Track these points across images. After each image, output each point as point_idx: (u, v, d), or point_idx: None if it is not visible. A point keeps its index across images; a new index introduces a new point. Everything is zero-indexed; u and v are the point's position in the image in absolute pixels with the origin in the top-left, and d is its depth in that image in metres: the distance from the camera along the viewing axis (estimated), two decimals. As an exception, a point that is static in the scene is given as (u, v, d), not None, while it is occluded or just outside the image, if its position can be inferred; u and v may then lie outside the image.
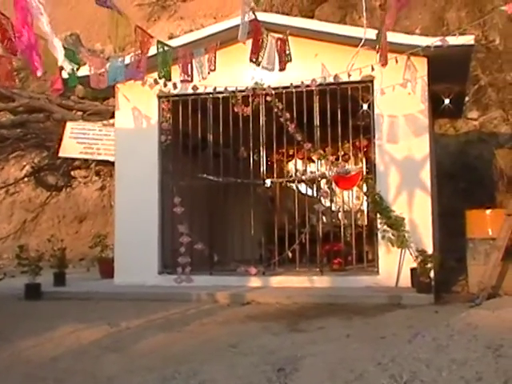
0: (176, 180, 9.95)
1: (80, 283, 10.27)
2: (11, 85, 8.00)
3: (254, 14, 7.18)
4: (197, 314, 7.57)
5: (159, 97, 10.10)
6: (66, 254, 10.78)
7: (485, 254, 8.46)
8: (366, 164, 11.02)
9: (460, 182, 13.93)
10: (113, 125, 11.55)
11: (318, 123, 9.51)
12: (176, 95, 9.88)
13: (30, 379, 4.81)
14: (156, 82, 9.23)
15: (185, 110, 10.02)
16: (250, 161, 10.19)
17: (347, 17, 17.13)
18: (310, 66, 9.35)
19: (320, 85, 9.39)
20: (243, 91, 9.72)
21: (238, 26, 7.25)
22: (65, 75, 8.06)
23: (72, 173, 16.91)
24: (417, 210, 8.86)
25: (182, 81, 8.40)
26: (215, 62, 8.29)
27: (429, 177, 9.04)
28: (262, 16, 8.14)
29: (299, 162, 11.87)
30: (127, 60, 8.05)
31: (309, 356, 5.02)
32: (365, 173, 10.16)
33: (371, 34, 7.81)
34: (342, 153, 10.58)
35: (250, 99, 9.72)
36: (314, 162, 10.36)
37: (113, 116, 11.61)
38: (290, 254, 9.84)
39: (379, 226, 8.85)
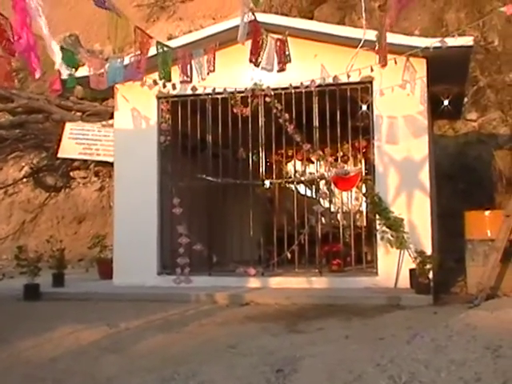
0: (175, 181, 9.95)
1: (79, 284, 10.27)
2: (10, 85, 8.00)
3: (253, 14, 7.18)
4: (196, 314, 7.57)
5: (158, 97, 10.10)
6: (64, 254, 10.76)
7: (484, 255, 8.47)
8: (365, 165, 11.03)
9: (459, 183, 13.94)
10: (112, 125, 11.55)
11: (317, 124, 9.51)
12: (175, 96, 9.88)
13: (29, 380, 4.81)
14: (155, 83, 9.22)
15: (184, 111, 10.02)
16: (249, 162, 10.19)
17: (346, 18, 17.13)
18: (309, 66, 9.35)
19: (319, 86, 9.40)
20: (242, 92, 9.73)
21: (237, 26, 7.26)
22: (63, 76, 8.07)
23: (71, 173, 16.91)
24: (416, 211, 8.87)
25: (181, 81, 8.40)
26: (214, 63, 8.29)
27: (428, 178, 9.05)
28: (261, 17, 8.14)
29: (298, 163, 11.88)
30: (126, 61, 8.05)
31: (308, 357, 5.01)
32: (364, 174, 10.16)
33: (370, 34, 7.82)
34: (341, 154, 10.59)
35: (249, 100, 9.73)
36: (313, 162, 10.35)
37: (112, 117, 11.60)
38: (289, 255, 9.82)
39: (378, 226, 8.85)
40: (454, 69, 8.98)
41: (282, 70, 8.01)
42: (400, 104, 9.05)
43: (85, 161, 15.62)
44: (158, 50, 7.68)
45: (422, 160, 9.04)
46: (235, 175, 10.05)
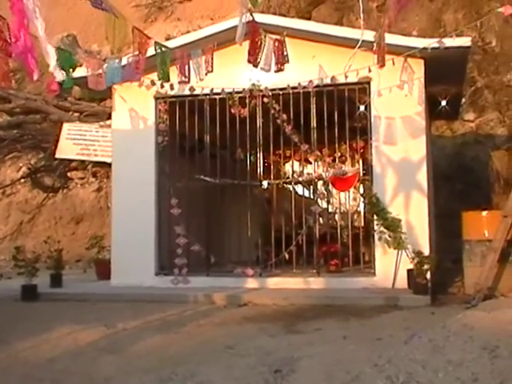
0: (173, 181, 9.95)
1: (77, 284, 10.26)
2: (8, 86, 7.99)
3: (251, 15, 7.19)
4: (194, 315, 7.58)
5: (156, 98, 10.10)
6: (62, 255, 10.78)
7: (481, 256, 8.48)
8: (363, 165, 11.04)
9: (456, 183, 13.96)
10: (109, 126, 11.55)
11: (315, 125, 9.51)
12: (173, 96, 9.87)
13: (27, 380, 4.81)
14: (153, 83, 9.22)
15: (182, 111, 10.02)
16: (246, 162, 10.20)
17: (344, 18, 17.13)
18: (307, 67, 9.36)
19: (317, 86, 9.40)
20: (240, 92, 9.73)
21: (235, 27, 7.27)
22: (57, 79, 8.04)
23: (69, 174, 16.90)
24: (413, 212, 8.88)
25: (179, 82, 8.40)
26: (212, 64, 8.29)
27: (425, 178, 9.05)
28: (259, 17, 8.16)
29: (296, 164, 11.88)
30: (124, 61, 8.05)
31: (305, 357, 5.02)
32: (361, 174, 10.17)
33: (368, 35, 7.83)
34: (339, 154, 10.59)
35: (247, 100, 9.73)
36: (310, 163, 10.36)
37: (109, 117, 11.61)
38: (286, 256, 9.84)
39: (376, 227, 8.86)
40: (451, 69, 8.99)
41: (280, 70, 8.02)
42: (398, 104, 9.05)
43: (82, 161, 15.61)
44: (156, 50, 7.69)
45: (420, 160, 9.05)
46: (233, 176, 10.05)
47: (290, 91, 9.50)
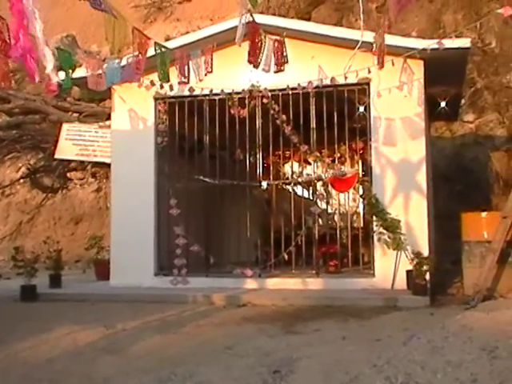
0: (172, 182, 9.95)
1: (76, 285, 10.26)
2: (7, 86, 7.98)
3: (251, 16, 7.19)
4: (193, 315, 7.58)
5: (155, 98, 10.10)
6: (61, 255, 10.77)
7: (480, 257, 8.48)
8: (362, 166, 11.05)
9: (456, 184, 13.97)
10: (109, 126, 11.55)
11: (315, 125, 9.52)
12: (172, 97, 9.88)
13: (26, 381, 4.81)
14: (152, 84, 9.22)
15: (181, 112, 10.02)
16: (246, 163, 10.20)
17: (344, 19, 17.13)
18: (307, 68, 9.36)
19: (316, 87, 9.40)
20: (240, 93, 9.73)
21: (234, 27, 7.27)
22: (60, 76, 8.05)
23: (68, 174, 16.89)
24: (413, 213, 8.88)
25: (178, 83, 8.40)
26: (212, 64, 8.29)
27: (425, 179, 9.06)
28: (259, 18, 8.15)
29: (295, 164, 11.88)
30: (124, 62, 8.05)
31: (304, 358, 5.02)
32: (361, 175, 10.18)
33: (368, 36, 7.83)
34: (339, 155, 10.58)
35: (247, 101, 9.74)
36: (310, 164, 10.36)
37: (109, 118, 11.60)
38: (286, 256, 9.84)
39: (375, 228, 8.86)
40: (451, 70, 8.99)
41: (279, 71, 8.02)
42: (397, 105, 9.06)
43: (82, 162, 15.58)
44: (156, 50, 7.69)
45: (419, 161, 9.05)
46: (232, 176, 10.05)
47: (290, 92, 9.51)
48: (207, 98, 9.89)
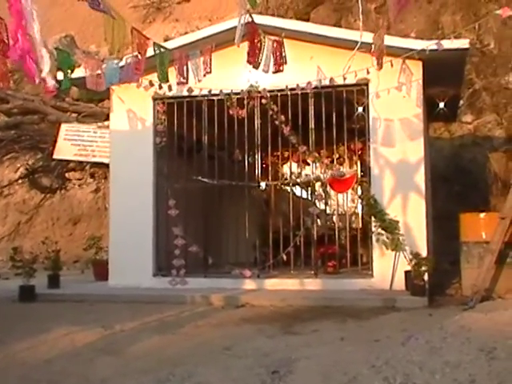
0: (171, 182, 9.95)
1: (74, 285, 10.25)
2: (5, 86, 7.97)
3: (250, 16, 7.18)
4: (191, 316, 7.57)
5: (154, 99, 10.09)
6: (60, 256, 10.76)
7: (478, 257, 8.49)
8: (361, 167, 11.05)
9: (454, 185, 13.97)
10: (107, 127, 11.55)
11: (313, 126, 9.52)
12: (171, 97, 9.87)
13: (24, 381, 4.80)
14: (151, 84, 9.21)
15: (180, 112, 10.02)
16: (244, 163, 10.19)
17: (342, 20, 17.13)
18: (306, 68, 9.36)
19: (315, 88, 9.40)
20: (238, 94, 9.73)
21: (233, 28, 7.26)
22: (59, 77, 8.04)
23: (66, 175, 16.88)
24: (411, 213, 8.88)
25: (177, 83, 8.38)
26: (211, 65, 8.28)
27: (423, 180, 9.06)
28: (258, 18, 8.14)
29: (294, 165, 11.88)
30: (123, 62, 8.04)
31: (303, 358, 5.02)
32: (359, 176, 10.18)
33: (367, 37, 7.83)
34: (337, 156, 10.59)
35: (245, 102, 9.73)
36: (308, 164, 10.38)
37: (107, 118, 11.61)
38: (284, 257, 9.84)
39: (374, 228, 8.87)
40: (449, 71, 9.00)
41: (278, 71, 8.01)
42: (396, 106, 9.06)
43: (80, 162, 15.57)
44: (155, 51, 7.69)
45: (418, 162, 9.06)
46: (231, 177, 10.05)
47: (288, 92, 9.51)
48: (206, 98, 9.88)
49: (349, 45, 8.38)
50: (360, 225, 11.76)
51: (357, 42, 7.91)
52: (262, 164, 10.28)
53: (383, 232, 8.65)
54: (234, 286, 9.25)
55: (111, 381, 4.71)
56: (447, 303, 8.06)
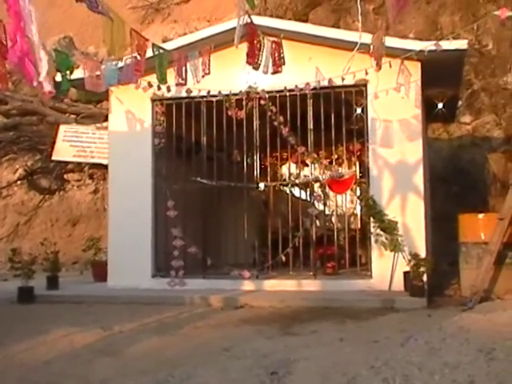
0: (169, 183, 9.95)
1: (73, 286, 10.24)
2: (4, 87, 7.96)
3: (249, 17, 7.18)
4: (190, 317, 7.57)
5: (153, 100, 10.09)
6: (59, 257, 10.75)
7: (477, 258, 8.49)
8: (360, 168, 11.04)
9: (453, 186, 13.98)
10: (106, 128, 11.54)
11: (312, 127, 9.53)
12: (170, 98, 9.87)
13: (22, 383, 4.80)
14: (150, 85, 9.21)
15: (178, 114, 10.02)
16: (243, 164, 10.19)
17: (341, 21, 17.15)
18: (304, 69, 9.36)
19: (314, 88, 9.41)
20: (237, 95, 9.73)
21: (232, 29, 7.27)
22: (57, 78, 8.04)
23: (65, 176, 16.87)
24: (410, 214, 8.89)
25: (176, 84, 8.38)
26: (209, 66, 8.28)
27: (422, 181, 9.07)
28: (256, 19, 8.15)
29: (293, 166, 11.89)
30: (121, 63, 8.03)
31: (302, 359, 5.02)
32: (358, 177, 10.17)
33: (365, 37, 7.83)
34: (336, 156, 10.59)
35: (244, 103, 9.73)
36: (307, 165, 10.38)
37: (106, 119, 11.59)
38: (283, 258, 9.84)
39: (372, 229, 8.87)
40: (448, 72, 9.01)
41: (276, 72, 8.01)
42: (394, 107, 9.06)
43: (79, 163, 15.59)
44: (154, 52, 7.69)
45: (416, 163, 9.06)
46: (230, 178, 10.05)
47: (287, 93, 9.50)
48: (204, 99, 9.88)
49: (347, 46, 8.38)
50: (359, 225, 11.77)
51: (355, 43, 7.90)
52: (260, 165, 10.29)
53: (382, 233, 8.66)
54: (232, 287, 9.25)
55: (110, 382, 4.71)
56: (446, 304, 8.05)
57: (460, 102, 13.52)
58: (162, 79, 7.95)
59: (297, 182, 11.06)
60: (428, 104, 9.78)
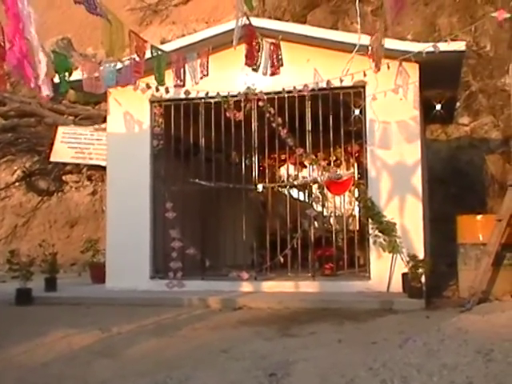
0: (168, 185, 9.95)
1: (71, 288, 10.23)
2: (2, 89, 7.96)
3: (247, 19, 7.18)
4: (188, 319, 7.56)
5: (151, 101, 10.09)
6: (57, 258, 10.74)
7: (475, 259, 8.50)
8: (358, 169, 11.05)
9: (451, 187, 13.99)
10: (104, 129, 11.53)
11: (310, 128, 9.53)
12: (168, 100, 9.86)
13: (21, 384, 4.80)
14: (148, 87, 9.21)
15: (177, 115, 10.01)
16: (241, 166, 10.20)
17: (339, 22, 17.16)
18: (302, 71, 9.36)
19: (312, 90, 9.41)
20: (235, 96, 9.73)
21: (230, 30, 7.27)
22: (55, 80, 8.03)
23: (63, 177, 16.84)
24: (408, 215, 8.89)
25: (174, 85, 8.38)
26: (208, 67, 8.28)
27: (420, 182, 9.07)
28: (254, 21, 8.14)
29: (291, 167, 11.89)
30: (120, 65, 8.03)
31: (300, 361, 5.02)
32: (356, 178, 10.19)
33: (364, 39, 7.83)
34: (334, 158, 10.60)
35: (242, 104, 9.73)
36: (305, 167, 10.37)
37: (104, 120, 11.59)
38: (281, 259, 9.84)
39: (371, 231, 8.88)
40: (446, 73, 9.02)
41: (274, 74, 8.01)
42: (393, 108, 9.07)
43: (77, 165, 15.57)
44: (152, 53, 7.69)
45: (415, 164, 9.07)
46: (228, 179, 10.05)
47: (285, 95, 9.50)
48: (203, 100, 9.89)
49: (346, 47, 8.39)
50: (357, 227, 11.77)
51: (354, 45, 7.90)
52: (259, 166, 10.30)
53: (380, 234, 8.66)
54: (231, 289, 9.25)
55: (109, 383, 4.70)
56: (444, 305, 8.06)
57: (458, 104, 13.54)
58: (161, 81, 7.95)
59: (295, 183, 11.06)
60: (426, 105, 9.78)
